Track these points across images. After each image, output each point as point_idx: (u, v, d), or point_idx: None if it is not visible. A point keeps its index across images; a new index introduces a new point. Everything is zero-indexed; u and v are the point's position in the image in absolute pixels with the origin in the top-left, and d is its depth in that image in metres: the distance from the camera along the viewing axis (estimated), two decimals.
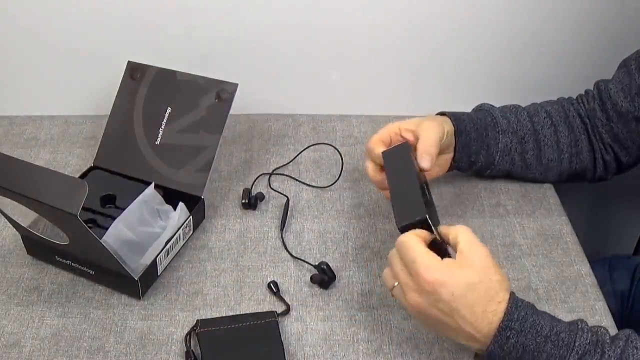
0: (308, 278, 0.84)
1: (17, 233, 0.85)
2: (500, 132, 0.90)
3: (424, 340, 0.78)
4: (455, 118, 0.88)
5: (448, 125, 0.86)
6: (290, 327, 0.79)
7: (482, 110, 0.93)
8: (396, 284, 0.69)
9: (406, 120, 0.85)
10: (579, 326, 0.66)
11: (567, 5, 1.03)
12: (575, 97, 0.96)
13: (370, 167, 0.85)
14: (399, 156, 0.81)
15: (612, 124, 0.90)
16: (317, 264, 0.84)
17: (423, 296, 0.66)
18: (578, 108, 0.93)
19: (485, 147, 0.90)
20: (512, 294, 0.67)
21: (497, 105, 0.95)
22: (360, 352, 0.77)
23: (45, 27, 1.02)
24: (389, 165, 0.81)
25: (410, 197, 0.74)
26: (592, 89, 0.94)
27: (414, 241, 0.67)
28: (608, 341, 0.65)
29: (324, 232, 0.91)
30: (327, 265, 0.84)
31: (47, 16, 1.01)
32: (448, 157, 0.89)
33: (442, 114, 0.90)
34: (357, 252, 0.89)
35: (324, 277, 0.83)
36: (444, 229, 0.72)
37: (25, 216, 0.82)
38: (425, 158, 0.79)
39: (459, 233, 0.69)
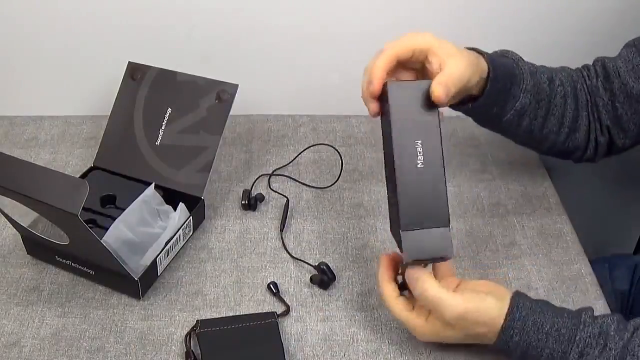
0: (308, 279, 0.84)
1: (17, 233, 0.85)
2: (522, 91, 0.81)
3: None
4: (492, 61, 0.77)
5: (482, 65, 0.76)
6: (290, 328, 0.79)
7: (509, 58, 0.84)
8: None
9: (429, 39, 0.70)
10: (582, 319, 0.68)
11: None
12: (575, 70, 0.91)
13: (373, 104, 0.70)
14: (413, 101, 0.66)
15: (617, 103, 0.86)
16: (316, 264, 0.84)
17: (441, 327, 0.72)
18: (583, 82, 0.89)
19: (504, 101, 0.81)
20: (514, 296, 0.71)
21: None
22: (360, 352, 0.77)
23: (46, 28, 1.02)
24: (396, 114, 0.65)
25: (432, 201, 0.65)
26: (591, 64, 0.90)
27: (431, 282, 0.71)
28: (612, 333, 0.67)
29: (323, 232, 0.91)
30: (327, 265, 0.84)
31: (48, 17, 1.01)
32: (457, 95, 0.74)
33: (472, 49, 0.78)
34: (357, 252, 0.89)
35: (323, 278, 0.83)
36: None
37: (26, 216, 0.82)
38: (441, 89, 0.66)
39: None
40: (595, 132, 0.88)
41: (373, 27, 1.04)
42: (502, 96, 0.80)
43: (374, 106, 0.70)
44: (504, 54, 0.85)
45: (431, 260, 0.69)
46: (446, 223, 0.67)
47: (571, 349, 0.67)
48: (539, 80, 0.83)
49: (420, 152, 0.66)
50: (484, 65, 0.76)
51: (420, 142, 0.66)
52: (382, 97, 0.68)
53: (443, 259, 0.69)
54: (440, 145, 0.66)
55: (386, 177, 0.70)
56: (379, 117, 0.71)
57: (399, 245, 0.68)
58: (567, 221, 0.94)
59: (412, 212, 0.66)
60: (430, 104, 0.66)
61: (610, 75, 0.86)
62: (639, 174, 0.99)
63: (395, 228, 0.68)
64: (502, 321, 0.69)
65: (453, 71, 0.68)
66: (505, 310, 0.69)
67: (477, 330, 0.70)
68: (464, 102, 0.79)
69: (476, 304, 0.69)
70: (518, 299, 0.70)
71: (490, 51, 0.82)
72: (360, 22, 1.04)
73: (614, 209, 1.31)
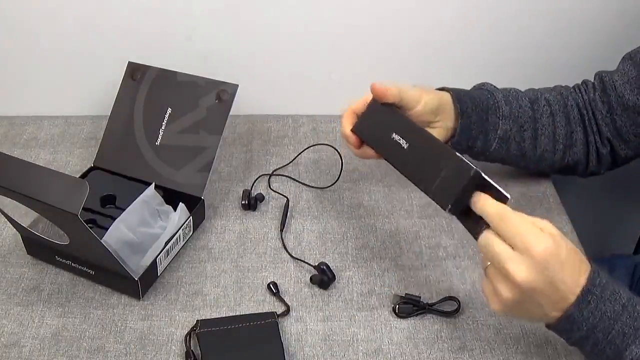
0: (308, 279, 0.84)
1: (17, 233, 0.85)
2: (501, 118, 0.87)
3: (423, 340, 0.78)
4: (458, 98, 0.85)
5: (446, 99, 0.84)
6: (290, 328, 0.79)
7: (484, 90, 0.90)
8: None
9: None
10: None
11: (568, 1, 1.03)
12: (573, 86, 0.94)
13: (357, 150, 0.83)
14: (378, 118, 0.80)
15: (615, 116, 0.88)
16: (316, 264, 0.84)
17: (532, 271, 0.61)
18: (576, 97, 0.91)
19: (484, 132, 0.87)
20: (591, 262, 0.66)
21: None
22: (360, 352, 0.77)
23: (46, 28, 1.02)
24: (372, 139, 0.80)
25: (430, 156, 0.71)
26: (591, 79, 0.93)
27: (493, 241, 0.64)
28: None
29: (323, 232, 0.91)
30: (327, 265, 0.84)
31: (48, 17, 1.01)
32: (438, 132, 0.84)
33: (442, 89, 0.87)
34: (357, 252, 0.89)
35: (323, 278, 0.83)
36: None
37: (26, 216, 0.82)
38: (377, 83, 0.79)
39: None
40: (595, 145, 0.90)
41: (372, 27, 1.05)
42: (481, 128, 0.86)
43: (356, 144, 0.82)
44: (479, 87, 0.91)
45: (463, 190, 0.66)
46: (450, 155, 0.69)
47: None
48: (519, 104, 0.88)
49: (400, 139, 0.76)
50: (448, 98, 0.84)
51: (394, 133, 0.77)
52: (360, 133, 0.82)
53: (473, 179, 0.65)
54: (411, 123, 0.78)
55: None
56: None
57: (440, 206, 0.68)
58: (567, 221, 0.94)
59: (421, 176, 0.72)
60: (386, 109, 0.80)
61: (607, 88, 0.89)
62: (639, 174, 0.99)
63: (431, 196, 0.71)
64: (583, 281, 0.63)
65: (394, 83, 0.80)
66: (588, 270, 0.64)
67: (564, 274, 0.62)
68: (446, 142, 0.86)
69: (562, 244, 0.63)
70: (596, 266, 0.65)
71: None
72: (359, 23, 1.04)
73: (614, 209, 1.31)
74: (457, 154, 0.68)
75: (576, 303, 0.63)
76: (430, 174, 0.70)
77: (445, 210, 0.67)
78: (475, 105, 0.86)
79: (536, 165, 0.93)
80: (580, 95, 0.92)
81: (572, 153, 0.91)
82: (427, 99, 0.81)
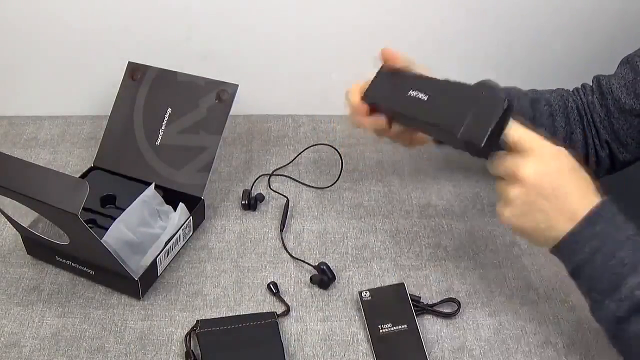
0: (308, 279, 0.84)
1: (17, 233, 0.85)
2: None
3: (423, 340, 0.78)
4: None
5: None
6: (290, 328, 0.79)
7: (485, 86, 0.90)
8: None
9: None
10: None
11: (568, 3, 1.03)
12: (572, 90, 0.94)
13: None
14: (390, 81, 0.79)
15: (612, 119, 0.88)
16: (316, 264, 0.84)
17: (537, 168, 0.66)
18: (576, 100, 0.92)
19: None
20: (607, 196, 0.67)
21: None
22: (360, 352, 0.77)
23: (46, 28, 1.02)
24: (386, 100, 0.78)
25: (454, 100, 0.71)
26: (589, 83, 0.93)
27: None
28: None
29: (323, 232, 0.91)
30: (327, 265, 0.84)
31: (48, 16, 1.01)
32: None
33: None
34: (357, 252, 0.89)
35: (323, 278, 0.83)
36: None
37: (26, 216, 0.82)
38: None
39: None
40: (594, 147, 0.91)
41: (373, 27, 1.05)
42: None
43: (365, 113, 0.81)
44: (481, 83, 0.89)
45: (498, 121, 0.66)
46: (478, 92, 0.70)
47: None
48: (520, 104, 0.89)
49: (418, 94, 0.75)
50: None
51: (410, 90, 0.76)
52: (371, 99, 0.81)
53: (506, 111, 0.66)
54: (425, 76, 0.77)
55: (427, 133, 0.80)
56: None
57: (471, 145, 0.68)
58: None
59: (448, 120, 0.70)
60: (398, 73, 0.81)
61: (604, 92, 0.89)
62: (639, 174, 0.99)
63: (456, 141, 0.70)
64: (594, 202, 0.65)
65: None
66: (600, 196, 0.66)
67: (571, 183, 0.66)
68: None
69: (574, 164, 0.67)
70: (612, 198, 0.67)
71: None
72: (359, 22, 1.04)
73: None
74: (483, 90, 0.70)
75: (584, 220, 0.64)
76: (458, 115, 0.69)
77: (481, 145, 0.66)
78: None
79: None
80: (579, 97, 0.92)
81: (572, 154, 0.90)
82: None
